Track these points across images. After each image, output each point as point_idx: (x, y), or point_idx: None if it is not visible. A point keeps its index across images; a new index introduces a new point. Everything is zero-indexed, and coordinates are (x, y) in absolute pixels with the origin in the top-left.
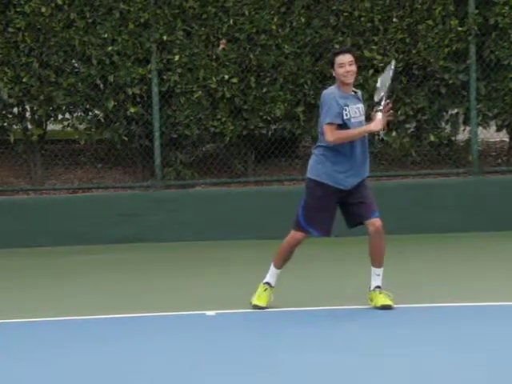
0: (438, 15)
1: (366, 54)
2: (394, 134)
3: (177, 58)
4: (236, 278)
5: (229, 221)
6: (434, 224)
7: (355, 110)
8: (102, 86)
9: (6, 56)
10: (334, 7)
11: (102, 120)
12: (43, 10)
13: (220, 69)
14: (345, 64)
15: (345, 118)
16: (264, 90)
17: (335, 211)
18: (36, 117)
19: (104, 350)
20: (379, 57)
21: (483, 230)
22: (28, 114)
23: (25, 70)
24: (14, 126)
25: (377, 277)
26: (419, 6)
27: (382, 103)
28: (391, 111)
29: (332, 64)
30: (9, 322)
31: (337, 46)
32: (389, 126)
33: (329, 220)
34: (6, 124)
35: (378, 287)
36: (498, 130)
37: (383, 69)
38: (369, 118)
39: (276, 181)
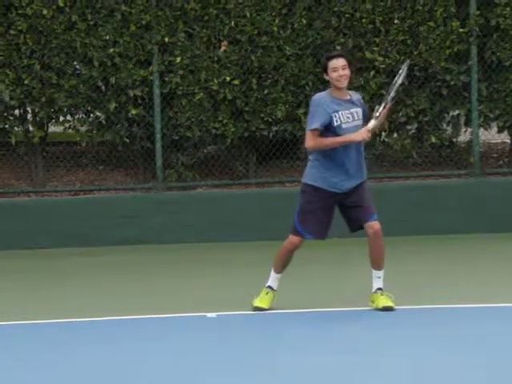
0: (439, 17)
1: (368, 55)
2: (395, 135)
3: (178, 59)
4: (237, 279)
5: (230, 222)
6: (435, 225)
7: (347, 116)
8: (103, 87)
9: (7, 58)
10: (336, 9)
11: (104, 122)
12: (45, 12)
13: (221, 70)
14: (338, 68)
15: (335, 124)
16: (265, 91)
17: (332, 215)
18: (37, 119)
19: (106, 351)
20: (380, 58)
21: (484, 231)
22: (29, 116)
23: (26, 71)
24: (16, 128)
25: (378, 279)
26: (420, 8)
27: (380, 110)
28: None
29: (325, 68)
30: (12, 323)
31: (338, 48)
32: (390, 127)
33: (325, 224)
34: (7, 126)
35: (380, 289)
36: (500, 131)
37: (384, 70)
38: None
39: (277, 182)
